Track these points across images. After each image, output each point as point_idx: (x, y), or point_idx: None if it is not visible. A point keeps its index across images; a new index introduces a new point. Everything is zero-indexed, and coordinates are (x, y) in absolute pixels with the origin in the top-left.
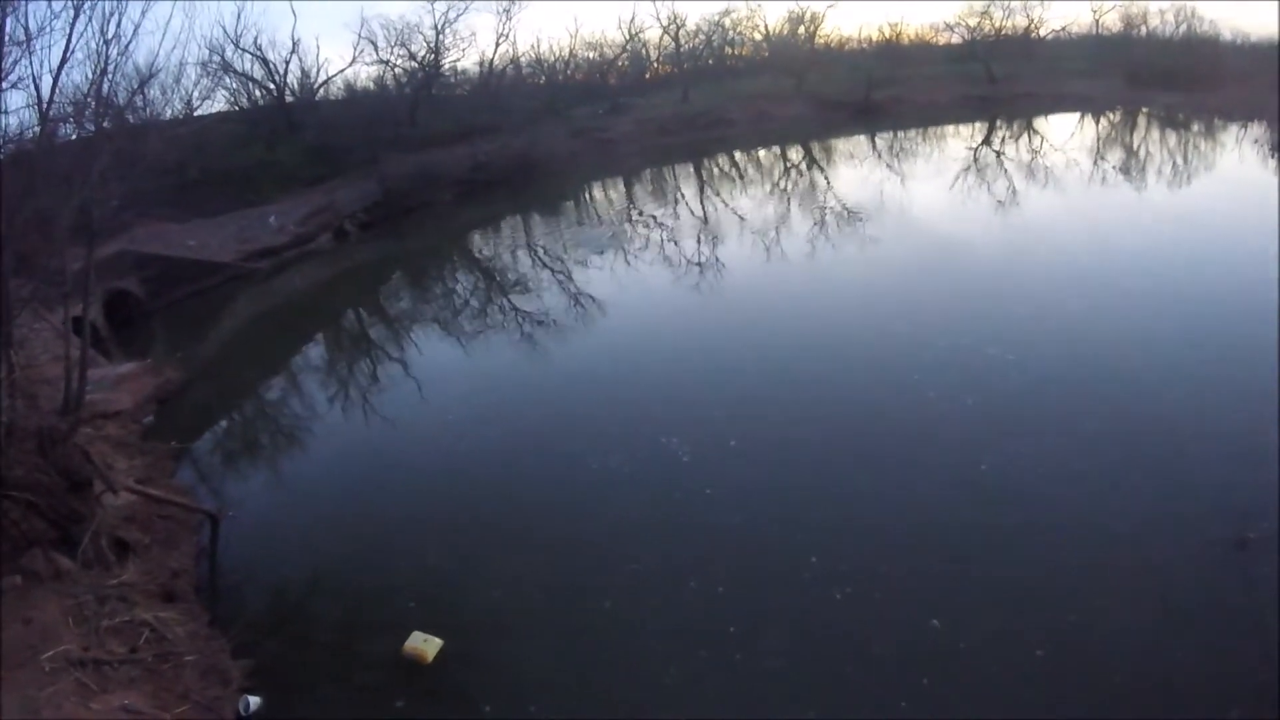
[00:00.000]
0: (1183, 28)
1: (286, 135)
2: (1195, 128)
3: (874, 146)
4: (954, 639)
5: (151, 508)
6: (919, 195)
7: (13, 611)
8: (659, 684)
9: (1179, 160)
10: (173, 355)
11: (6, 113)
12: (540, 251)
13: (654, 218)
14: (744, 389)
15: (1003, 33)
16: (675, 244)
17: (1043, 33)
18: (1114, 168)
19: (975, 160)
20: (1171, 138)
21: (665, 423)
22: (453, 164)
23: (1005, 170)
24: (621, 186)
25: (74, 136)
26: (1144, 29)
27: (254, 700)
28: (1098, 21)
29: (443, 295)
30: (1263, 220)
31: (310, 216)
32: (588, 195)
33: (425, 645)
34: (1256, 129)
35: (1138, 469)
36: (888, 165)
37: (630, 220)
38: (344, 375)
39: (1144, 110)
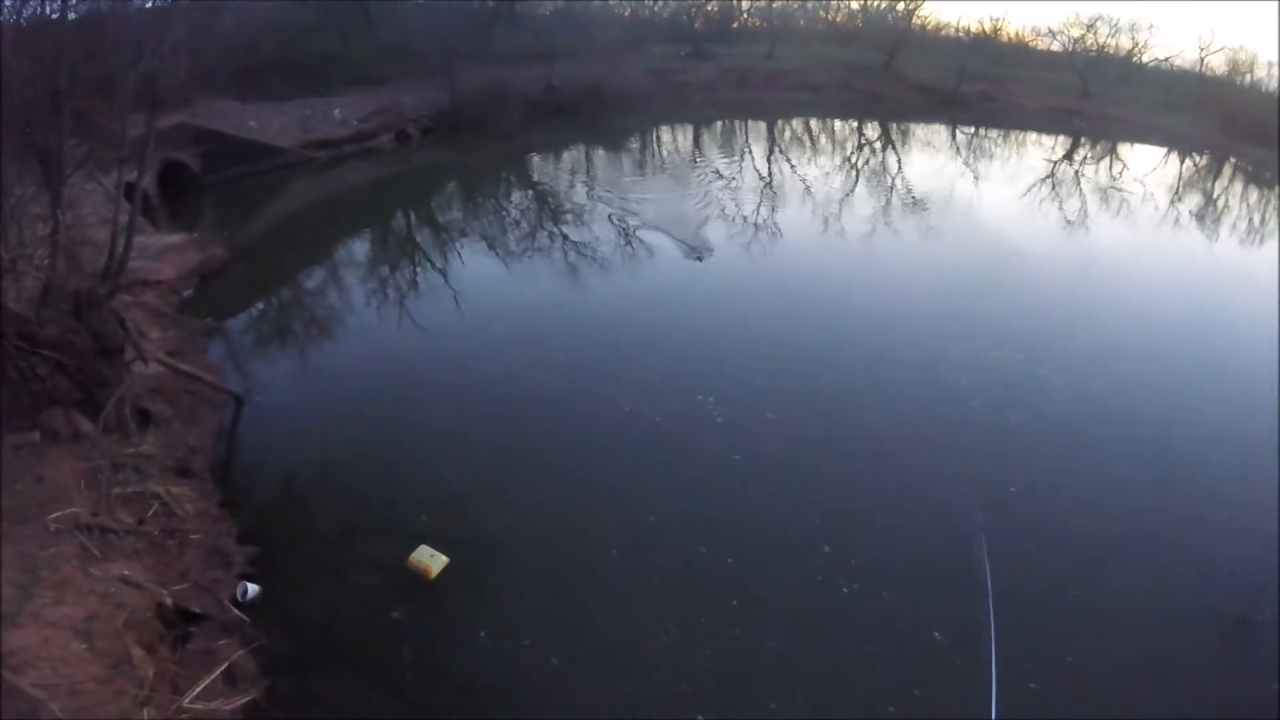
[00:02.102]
0: None
1: (362, 30)
2: None
3: (953, 139)
4: (951, 655)
5: (179, 381)
6: (990, 197)
7: (25, 467)
8: (654, 642)
9: (1256, 218)
10: (220, 232)
11: None
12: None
13: (719, 174)
14: (791, 364)
15: (1105, 50)
16: (741, 208)
17: (1145, 59)
18: (1190, 212)
19: (1053, 174)
20: (1253, 194)
21: (705, 382)
22: (525, 84)
23: (1081, 191)
24: (691, 134)
25: (150, 4)
26: (1249, 78)
27: (252, 588)
28: (1203, 60)
29: (494, 213)
30: None
31: (374, 114)
32: (655, 138)
33: (432, 561)
34: None
35: (1159, 520)
36: (964, 162)
37: (708, 181)
38: (384, 276)
39: (1231, 160)
